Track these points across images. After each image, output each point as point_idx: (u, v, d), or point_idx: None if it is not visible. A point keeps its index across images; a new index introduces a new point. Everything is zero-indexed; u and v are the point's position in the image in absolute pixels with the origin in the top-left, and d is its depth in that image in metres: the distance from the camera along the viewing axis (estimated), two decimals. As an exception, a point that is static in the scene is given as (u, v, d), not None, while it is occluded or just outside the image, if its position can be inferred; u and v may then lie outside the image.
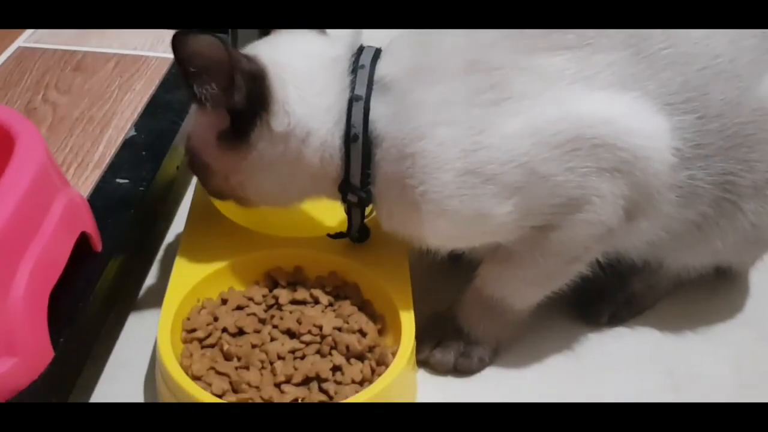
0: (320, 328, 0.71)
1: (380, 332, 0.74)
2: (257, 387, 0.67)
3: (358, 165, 0.68)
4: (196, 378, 0.67)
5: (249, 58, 0.68)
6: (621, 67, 0.64)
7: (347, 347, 0.70)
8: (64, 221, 0.66)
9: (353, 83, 0.68)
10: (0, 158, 0.65)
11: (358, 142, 0.67)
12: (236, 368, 0.69)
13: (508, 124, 0.63)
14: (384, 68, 0.68)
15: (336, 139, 0.68)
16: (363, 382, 0.69)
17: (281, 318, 0.73)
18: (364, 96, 0.67)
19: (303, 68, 0.69)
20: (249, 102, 0.67)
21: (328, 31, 0.73)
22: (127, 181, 0.82)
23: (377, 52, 0.70)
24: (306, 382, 0.68)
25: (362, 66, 0.68)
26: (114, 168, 0.84)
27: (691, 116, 0.65)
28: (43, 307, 0.63)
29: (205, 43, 0.64)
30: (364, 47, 0.71)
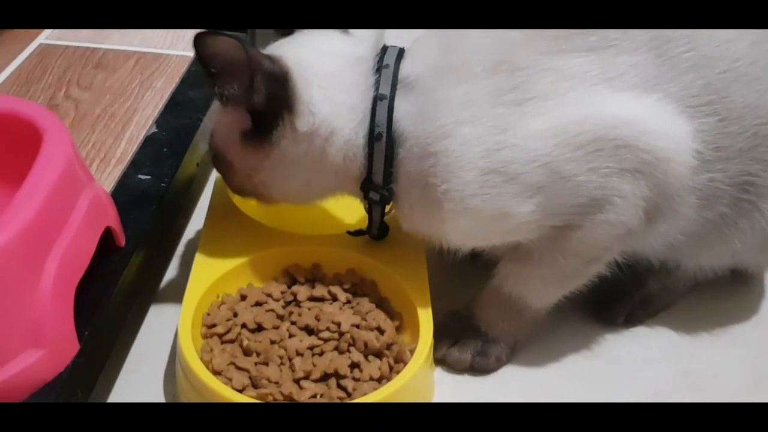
0: (338, 325, 0.71)
1: (398, 330, 0.74)
2: (277, 382, 0.68)
3: (381, 163, 0.69)
4: (216, 373, 0.68)
5: (272, 59, 0.68)
6: (644, 69, 0.64)
7: (365, 344, 0.70)
8: (90, 216, 0.67)
9: (377, 82, 0.68)
10: (27, 153, 0.66)
11: (382, 141, 0.68)
12: (256, 364, 0.69)
13: (531, 124, 0.63)
14: (408, 67, 0.69)
15: (360, 138, 0.69)
16: (381, 379, 0.69)
17: (299, 315, 0.73)
18: (388, 95, 0.67)
19: (328, 68, 0.69)
20: (270, 103, 0.68)
21: (352, 30, 0.73)
22: (149, 177, 0.83)
23: (401, 52, 0.70)
24: (324, 378, 0.69)
25: (386, 65, 0.69)
26: (136, 164, 0.85)
27: (712, 119, 0.66)
28: (70, 300, 0.63)
29: (225, 44, 0.65)
30: (387, 47, 0.71)
